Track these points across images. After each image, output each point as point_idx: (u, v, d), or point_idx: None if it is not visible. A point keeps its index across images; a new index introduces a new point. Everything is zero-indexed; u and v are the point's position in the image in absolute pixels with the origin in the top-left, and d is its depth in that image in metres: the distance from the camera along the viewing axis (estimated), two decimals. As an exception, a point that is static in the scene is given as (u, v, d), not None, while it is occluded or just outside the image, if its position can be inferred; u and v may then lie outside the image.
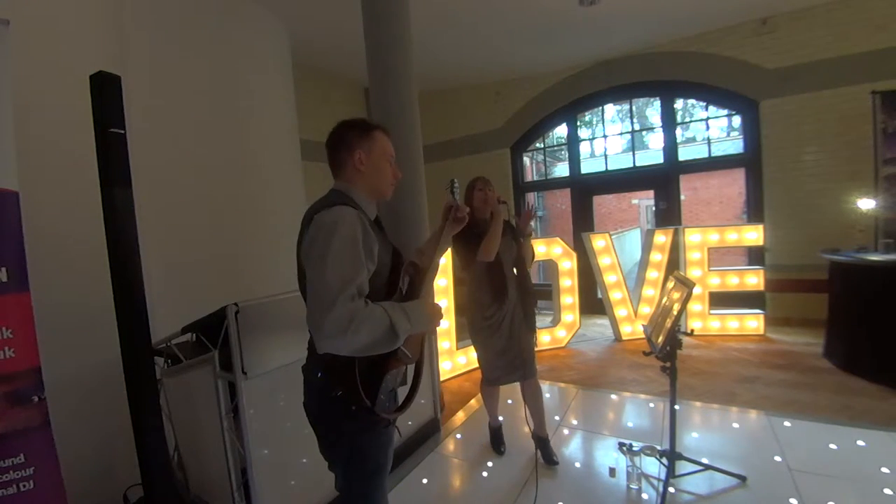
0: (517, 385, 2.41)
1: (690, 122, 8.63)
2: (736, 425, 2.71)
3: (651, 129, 8.42)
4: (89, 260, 1.96)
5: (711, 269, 4.52)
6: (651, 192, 5.96)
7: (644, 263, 4.69)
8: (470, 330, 2.44)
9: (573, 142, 6.31)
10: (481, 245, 2.18)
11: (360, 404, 1.12)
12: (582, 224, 6.12)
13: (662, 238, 4.58)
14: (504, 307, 2.31)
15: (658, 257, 4.60)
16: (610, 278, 4.62)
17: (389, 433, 1.27)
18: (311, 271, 1.08)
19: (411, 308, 1.13)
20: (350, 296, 1.02)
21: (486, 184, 2.34)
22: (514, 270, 2.37)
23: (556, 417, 2.97)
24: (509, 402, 3.03)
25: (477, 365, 4.09)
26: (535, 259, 2.76)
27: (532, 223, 2.40)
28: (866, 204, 4.04)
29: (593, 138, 7.25)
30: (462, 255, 2.32)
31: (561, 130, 6.61)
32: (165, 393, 2.11)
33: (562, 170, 7.33)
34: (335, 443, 1.23)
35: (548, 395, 3.29)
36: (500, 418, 2.67)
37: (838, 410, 2.77)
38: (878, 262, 3.24)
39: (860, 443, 2.37)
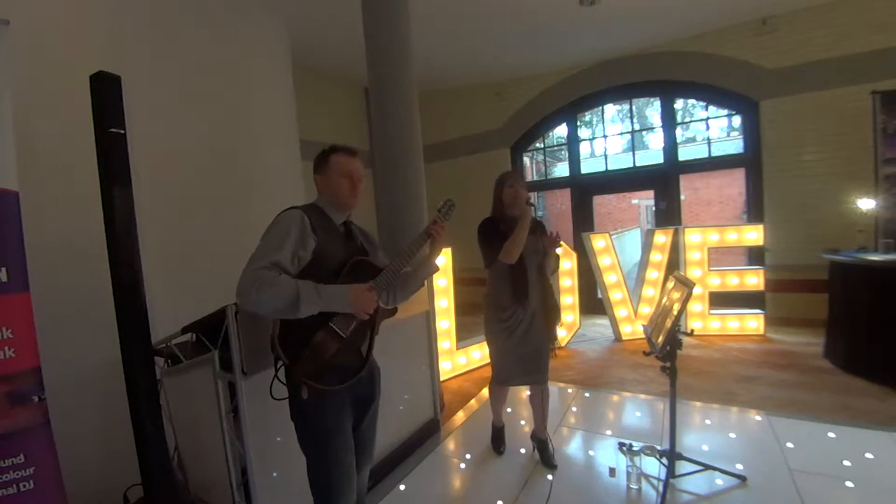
0: (516, 389, 2.37)
1: (690, 122, 8.64)
2: (736, 425, 2.71)
3: (651, 129, 8.42)
4: (89, 260, 1.95)
5: (711, 269, 4.52)
6: (651, 192, 5.96)
7: (644, 263, 4.69)
8: (485, 328, 2.36)
9: (573, 142, 6.32)
10: (504, 245, 2.11)
11: (285, 363, 1.32)
12: (582, 224, 6.12)
13: (662, 238, 4.59)
14: (524, 310, 2.22)
15: (658, 257, 4.60)
16: (610, 278, 4.62)
17: (336, 400, 1.38)
18: None
19: (328, 288, 1.28)
20: (262, 266, 1.24)
21: (517, 180, 2.23)
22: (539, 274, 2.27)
23: (556, 417, 2.96)
24: (508, 410, 2.92)
25: (477, 365, 4.16)
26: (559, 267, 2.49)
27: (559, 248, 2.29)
28: (866, 204, 4.03)
29: (593, 138, 7.25)
30: (485, 251, 2.24)
31: (561, 130, 6.61)
32: (165, 393, 2.11)
33: (562, 170, 7.33)
34: (291, 406, 1.41)
35: (548, 395, 3.28)
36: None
37: (838, 410, 2.77)
38: (878, 262, 3.24)
39: (860, 443, 2.36)
